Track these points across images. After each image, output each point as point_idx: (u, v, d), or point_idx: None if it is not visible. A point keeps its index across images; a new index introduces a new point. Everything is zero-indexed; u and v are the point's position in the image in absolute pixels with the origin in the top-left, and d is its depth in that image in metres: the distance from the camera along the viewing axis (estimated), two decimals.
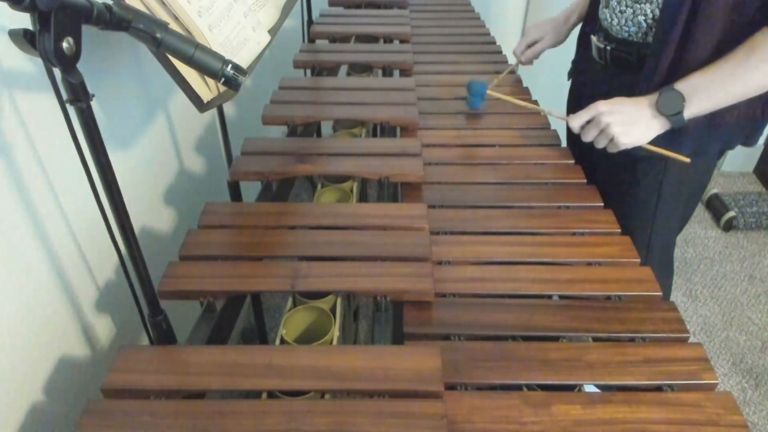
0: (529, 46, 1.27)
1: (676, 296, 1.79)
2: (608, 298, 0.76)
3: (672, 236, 1.12)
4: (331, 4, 1.79)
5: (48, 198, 0.74)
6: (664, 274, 1.16)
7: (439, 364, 0.62)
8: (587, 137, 0.93)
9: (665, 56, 0.87)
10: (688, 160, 0.91)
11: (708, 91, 0.84)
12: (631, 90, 0.92)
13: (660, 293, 0.76)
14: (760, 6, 0.79)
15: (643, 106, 0.88)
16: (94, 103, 0.51)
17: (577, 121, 0.93)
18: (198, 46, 0.60)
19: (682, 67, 0.86)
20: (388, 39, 1.55)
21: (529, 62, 1.30)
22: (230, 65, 0.62)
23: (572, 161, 1.05)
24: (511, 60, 1.35)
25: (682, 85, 0.85)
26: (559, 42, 1.25)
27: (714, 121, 0.90)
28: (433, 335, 0.71)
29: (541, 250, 0.83)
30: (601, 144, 0.93)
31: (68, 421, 0.78)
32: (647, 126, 0.89)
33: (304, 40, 1.56)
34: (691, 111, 0.85)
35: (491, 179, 1.00)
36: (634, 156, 0.96)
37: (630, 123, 0.89)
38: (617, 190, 1.03)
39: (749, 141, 0.96)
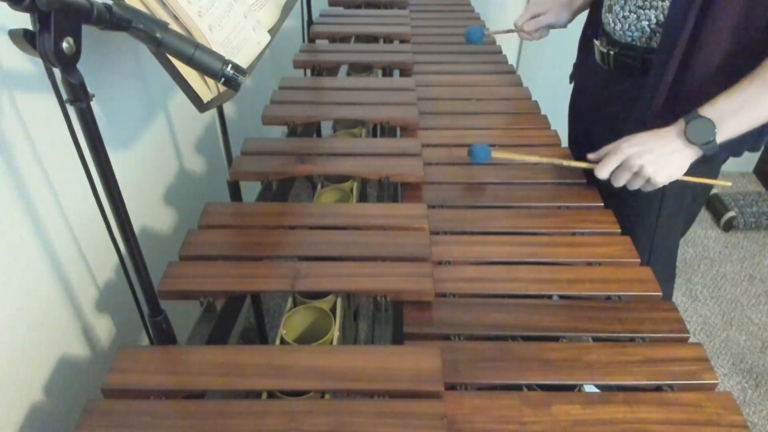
0: (532, 19, 1.22)
1: (676, 296, 1.79)
2: (608, 298, 0.76)
3: (675, 240, 1.11)
4: (331, 4, 1.79)
5: (48, 198, 0.74)
6: (667, 277, 1.15)
7: (439, 364, 0.62)
8: (619, 182, 0.87)
9: (672, 63, 0.86)
10: (729, 183, 0.90)
11: (737, 116, 0.80)
12: (633, 94, 0.91)
13: (660, 293, 0.76)
14: None
15: (672, 139, 0.83)
16: (94, 103, 0.51)
17: (605, 169, 0.86)
18: (198, 46, 0.60)
19: (689, 74, 0.85)
20: (388, 39, 1.55)
21: (530, 34, 1.23)
22: (230, 65, 0.62)
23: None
24: (512, 61, 1.35)
25: (709, 111, 0.80)
26: (559, 21, 1.20)
27: None
28: (433, 335, 0.71)
29: (541, 250, 0.83)
30: (635, 186, 0.87)
31: (68, 421, 0.78)
32: (681, 158, 0.84)
33: (304, 40, 1.56)
34: (722, 136, 0.81)
35: (491, 179, 1.00)
36: None
37: (663, 160, 0.83)
38: (620, 194, 1.02)
39: (755, 146, 0.95)
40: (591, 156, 0.90)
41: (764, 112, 0.80)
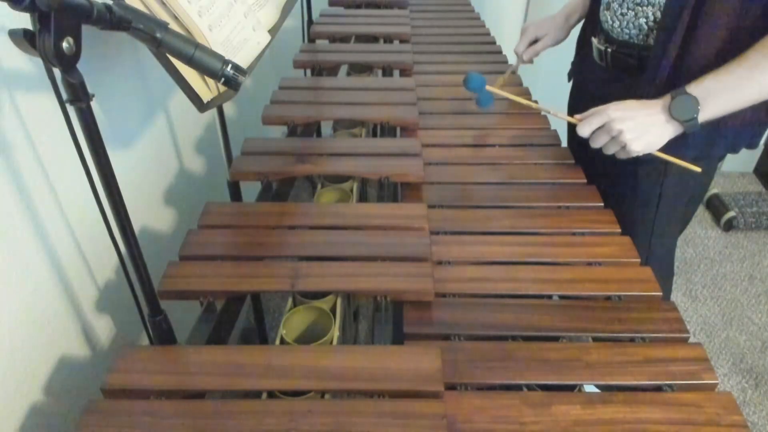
0: (529, 45, 1.25)
1: (676, 296, 1.79)
2: (608, 298, 0.76)
3: (673, 238, 1.11)
4: (331, 4, 1.79)
5: (48, 198, 0.74)
6: (665, 275, 1.15)
7: (439, 364, 0.62)
8: (596, 143, 0.89)
9: (667, 59, 0.86)
10: (699, 169, 0.89)
11: (722, 95, 0.81)
12: (631, 92, 0.91)
13: (660, 293, 0.76)
14: (765, 8, 0.78)
15: (656, 111, 0.84)
16: (94, 103, 0.51)
17: (587, 127, 0.88)
18: (198, 46, 0.60)
19: (684, 70, 0.85)
20: (388, 39, 1.55)
21: (530, 61, 1.28)
22: (230, 65, 0.62)
23: (572, 161, 1.05)
24: (511, 60, 1.35)
25: (695, 89, 0.81)
26: (560, 40, 1.24)
27: (719, 125, 0.88)
28: (433, 335, 0.71)
29: (541, 250, 0.83)
30: (610, 150, 0.88)
31: (68, 421, 0.78)
32: (660, 132, 0.85)
33: (304, 40, 1.56)
34: (705, 115, 0.82)
35: (491, 179, 1.00)
36: (635, 159, 0.95)
37: (643, 129, 0.84)
38: (618, 192, 1.03)
39: (753, 144, 0.95)
40: (578, 115, 0.92)
41: (749, 94, 0.81)
